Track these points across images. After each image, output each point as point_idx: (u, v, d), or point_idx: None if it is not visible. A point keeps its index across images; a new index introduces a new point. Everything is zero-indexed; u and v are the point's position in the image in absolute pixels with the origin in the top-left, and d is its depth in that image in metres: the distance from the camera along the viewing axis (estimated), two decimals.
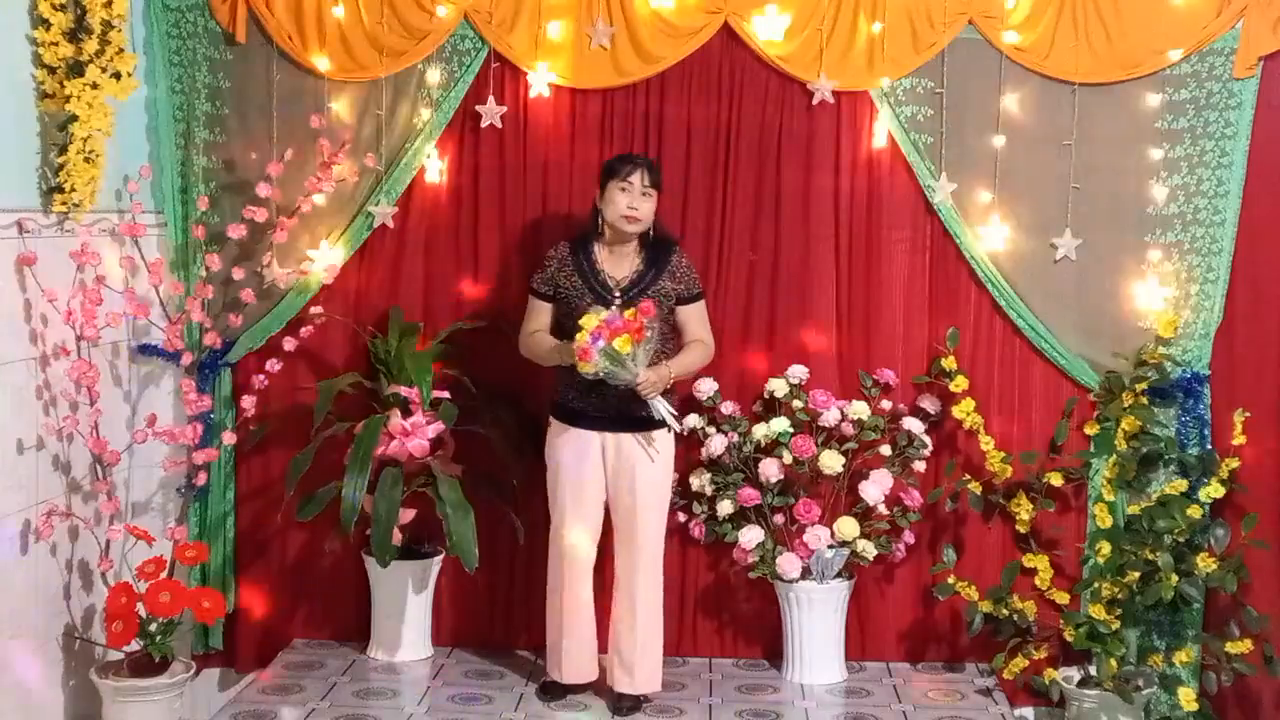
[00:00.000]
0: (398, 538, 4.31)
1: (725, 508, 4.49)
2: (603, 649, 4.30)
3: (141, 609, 4.05)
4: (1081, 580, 4.47)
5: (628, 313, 3.88)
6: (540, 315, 4.21)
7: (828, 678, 4.49)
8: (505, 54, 4.51)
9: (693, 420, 4.54)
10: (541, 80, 4.50)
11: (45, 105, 3.92)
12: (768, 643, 4.68)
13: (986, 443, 4.46)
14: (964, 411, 4.46)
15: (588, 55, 4.49)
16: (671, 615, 4.65)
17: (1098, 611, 4.29)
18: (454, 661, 4.62)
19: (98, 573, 4.24)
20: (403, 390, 4.34)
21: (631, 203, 4.05)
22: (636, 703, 4.19)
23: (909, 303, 4.58)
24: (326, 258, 4.53)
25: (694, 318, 4.19)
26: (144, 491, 4.58)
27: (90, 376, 4.03)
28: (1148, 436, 4.41)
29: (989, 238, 4.47)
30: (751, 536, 4.45)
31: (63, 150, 3.94)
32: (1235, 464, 4.30)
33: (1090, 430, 4.49)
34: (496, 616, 4.73)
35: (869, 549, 4.45)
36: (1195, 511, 4.28)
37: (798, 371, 4.54)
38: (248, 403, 4.43)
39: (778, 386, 4.52)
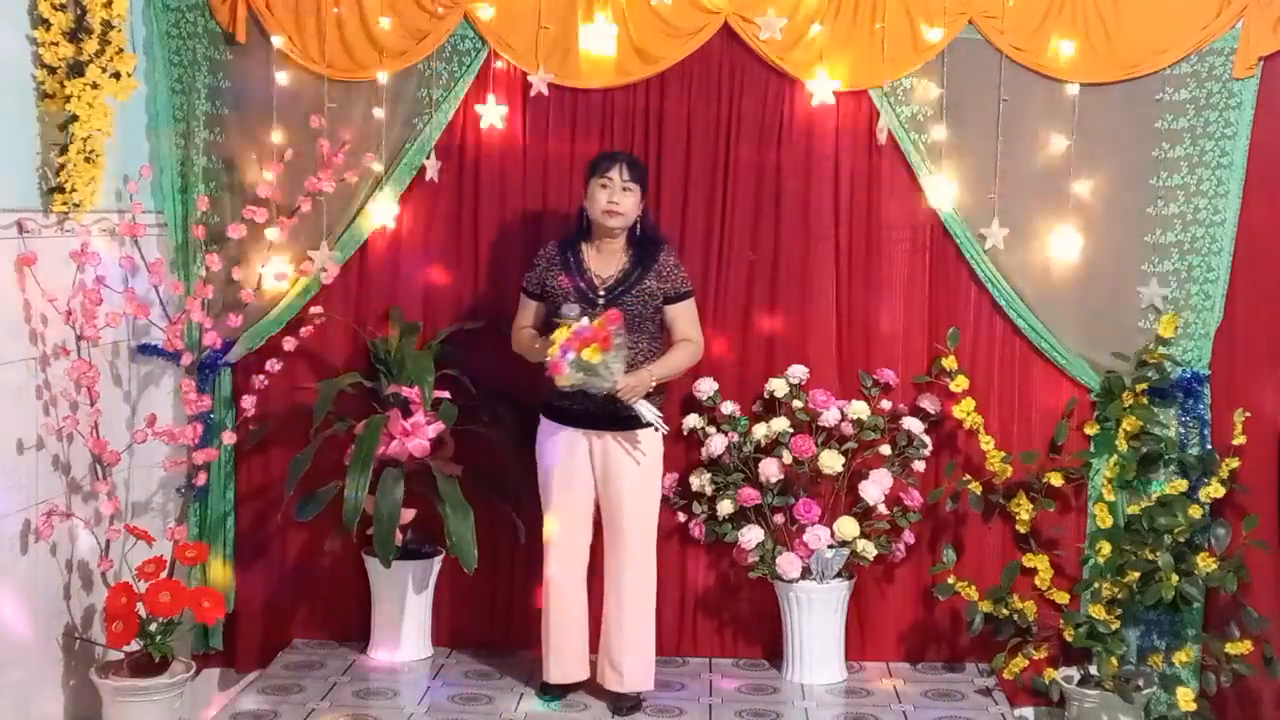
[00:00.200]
0: (398, 538, 4.31)
1: (725, 508, 4.49)
2: (595, 649, 4.30)
3: (141, 609, 4.05)
4: (1081, 580, 4.47)
5: (595, 321, 3.89)
6: (529, 313, 4.24)
7: (828, 678, 4.49)
8: (505, 54, 4.51)
9: (693, 420, 4.55)
10: (541, 80, 4.50)
11: (45, 105, 3.92)
12: (768, 643, 4.68)
13: (986, 443, 4.46)
14: (964, 411, 4.46)
15: (588, 55, 4.49)
16: (671, 615, 4.66)
17: (1098, 611, 4.29)
18: (454, 661, 4.62)
19: (98, 573, 4.24)
20: (403, 390, 4.35)
21: (612, 198, 4.05)
22: (636, 703, 4.19)
23: (909, 303, 4.58)
24: (326, 258, 4.53)
25: (682, 316, 4.19)
26: (144, 491, 4.58)
27: (90, 376, 4.03)
28: (1148, 436, 4.41)
29: (989, 238, 4.47)
30: (751, 536, 4.45)
31: (63, 150, 3.94)
32: (1235, 464, 4.30)
33: (1090, 430, 4.49)
34: (496, 616, 4.73)
35: (869, 549, 4.45)
36: (1195, 511, 4.28)
37: (798, 371, 4.54)
38: (248, 403, 4.43)
39: (778, 386, 4.52)
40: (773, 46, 4.46)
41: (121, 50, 4.05)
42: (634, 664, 4.18)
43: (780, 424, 4.48)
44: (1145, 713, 4.33)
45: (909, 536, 4.56)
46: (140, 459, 4.49)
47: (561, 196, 4.56)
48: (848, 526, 4.43)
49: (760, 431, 4.49)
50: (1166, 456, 4.42)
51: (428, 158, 4.55)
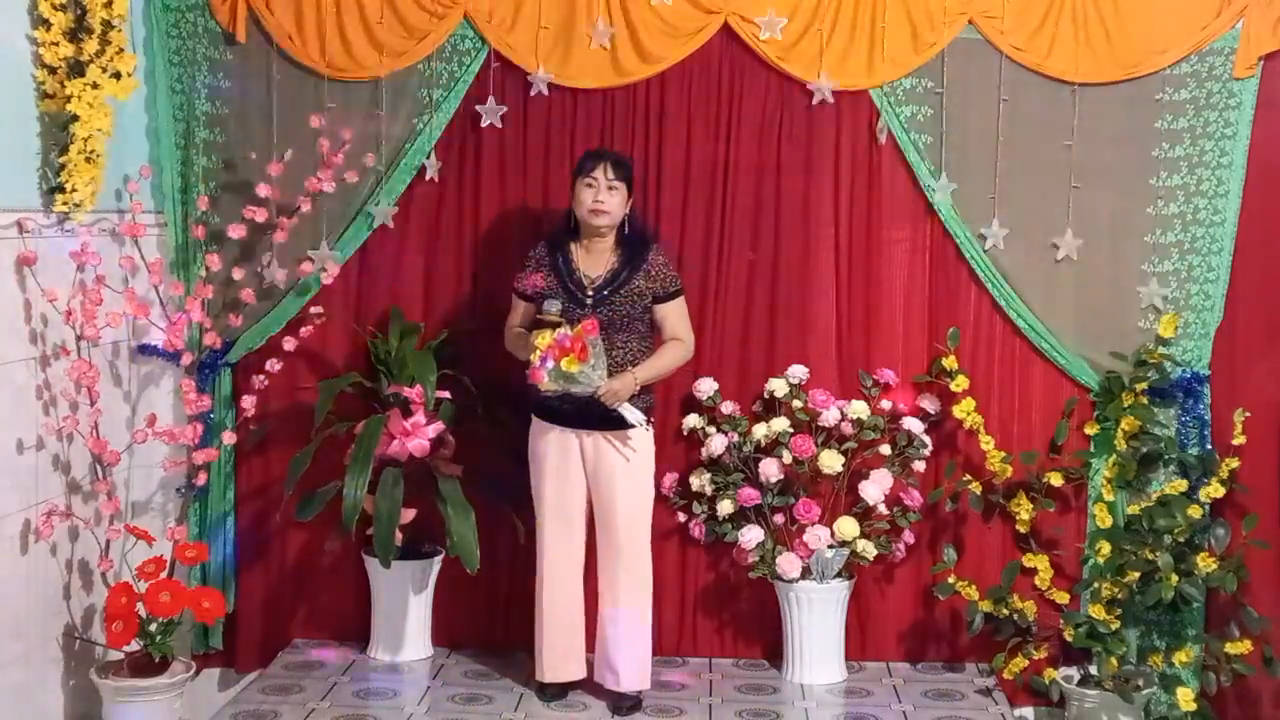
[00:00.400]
0: (398, 538, 4.31)
1: (725, 508, 4.49)
2: (591, 649, 4.31)
3: (141, 609, 4.05)
4: (1081, 580, 4.47)
5: (574, 330, 3.90)
6: (520, 313, 4.25)
7: (828, 678, 4.49)
8: (505, 54, 4.51)
9: (693, 420, 4.55)
10: (541, 80, 4.50)
11: (46, 105, 3.92)
12: (768, 643, 4.68)
13: (986, 443, 4.46)
14: (964, 411, 4.46)
15: (588, 55, 4.49)
16: (671, 615, 4.66)
17: (1098, 611, 4.29)
18: (454, 661, 4.62)
19: (98, 573, 4.24)
20: (403, 390, 4.35)
21: (597, 197, 4.06)
22: (636, 702, 4.19)
23: (909, 303, 4.58)
24: (326, 258, 4.53)
25: (671, 315, 4.19)
26: (144, 491, 4.58)
27: (90, 376, 4.03)
28: (1148, 436, 4.41)
29: (989, 238, 4.47)
30: (751, 536, 4.45)
31: (63, 150, 3.94)
32: (1235, 464, 4.30)
33: (1090, 430, 4.49)
34: (496, 616, 4.73)
35: (869, 549, 4.45)
36: (1195, 511, 4.28)
37: (798, 371, 4.54)
38: (248, 403, 4.43)
39: (778, 386, 4.52)
40: (773, 46, 4.46)
41: (122, 50, 4.05)
42: (630, 663, 4.18)
43: (780, 424, 4.48)
44: (1145, 713, 4.33)
45: (909, 536, 4.56)
46: (140, 459, 4.49)
47: (562, 196, 4.53)
48: (848, 526, 4.43)
49: (760, 431, 4.49)
50: (1166, 456, 4.42)
51: (428, 158, 4.56)
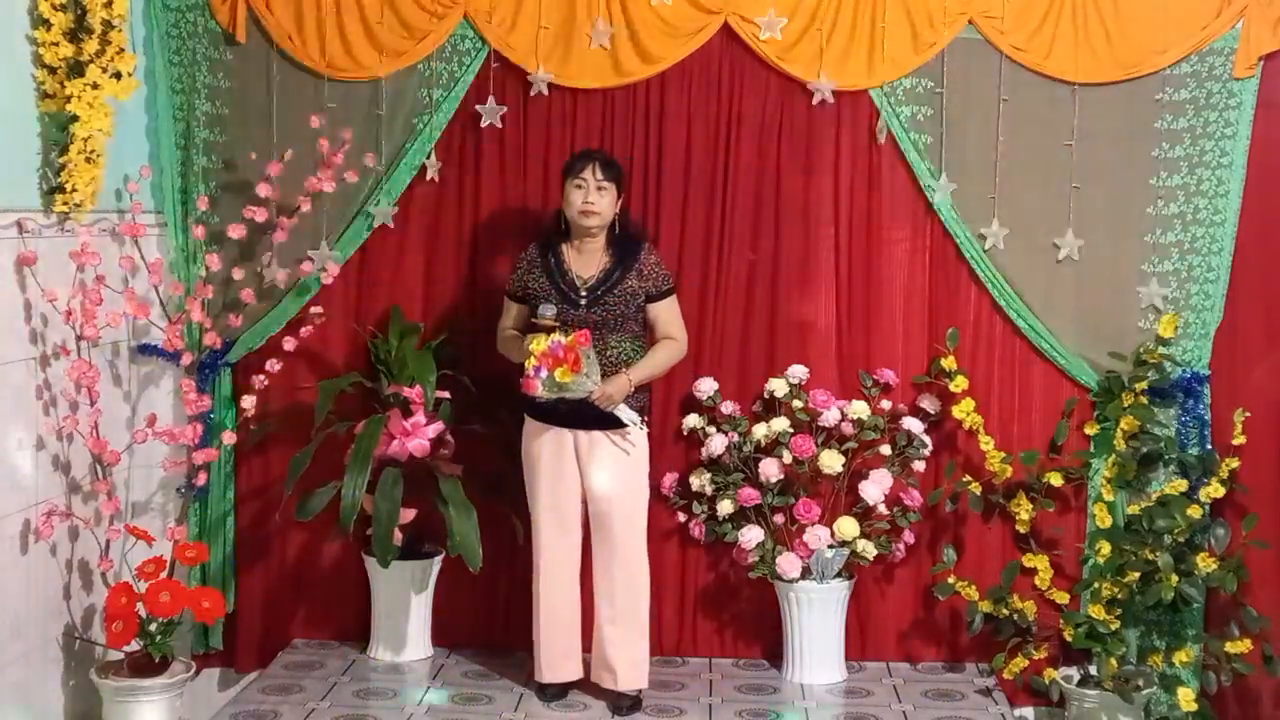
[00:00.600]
0: (398, 538, 4.31)
1: (725, 508, 4.49)
2: (588, 649, 4.31)
3: (141, 609, 4.05)
4: (1081, 580, 4.47)
5: (567, 339, 3.90)
6: (511, 314, 4.26)
7: (828, 678, 4.49)
8: (505, 54, 4.51)
9: (693, 420, 4.55)
10: (541, 80, 4.50)
11: (46, 105, 3.92)
12: (768, 643, 4.68)
13: (986, 443, 4.46)
14: (964, 411, 4.46)
15: (588, 55, 4.49)
16: (671, 615, 4.67)
17: (1098, 611, 4.29)
18: (454, 661, 4.62)
19: (98, 573, 4.24)
20: (403, 390, 4.35)
21: (587, 198, 4.06)
22: (636, 702, 4.19)
23: (909, 303, 4.58)
24: (326, 258, 4.53)
25: (664, 314, 4.19)
26: (144, 491, 4.58)
27: (90, 376, 4.03)
28: (1147, 436, 4.41)
29: (989, 238, 4.47)
30: (751, 536, 4.45)
31: (63, 150, 3.94)
32: (1235, 464, 4.30)
33: (1090, 430, 4.49)
34: (496, 616, 4.73)
35: (869, 549, 4.45)
36: (1195, 511, 4.28)
37: (798, 371, 4.54)
38: (248, 403, 4.43)
39: (778, 386, 4.52)
40: (773, 46, 4.46)
41: (122, 50, 4.05)
42: (627, 663, 4.18)
43: (780, 424, 4.48)
44: (1145, 713, 4.33)
45: (909, 536, 4.56)
46: (140, 459, 4.49)
47: (562, 197, 4.56)
48: (848, 526, 4.43)
49: (760, 431, 4.50)
50: (1166, 456, 4.42)
51: (428, 158, 4.56)
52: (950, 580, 4.44)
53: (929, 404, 4.55)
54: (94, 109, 3.94)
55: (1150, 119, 4.42)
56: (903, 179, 4.54)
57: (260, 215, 4.42)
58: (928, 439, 4.50)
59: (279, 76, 4.54)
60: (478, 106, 4.54)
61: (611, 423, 4.06)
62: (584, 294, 4.08)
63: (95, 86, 3.94)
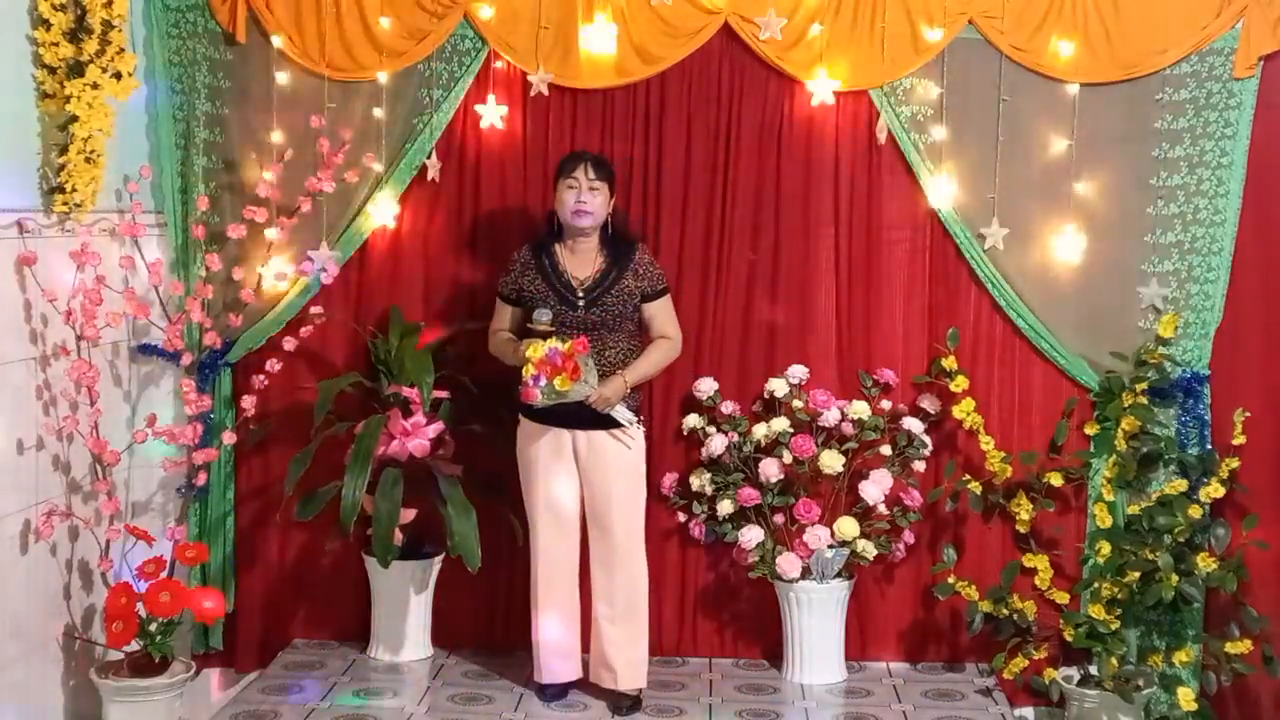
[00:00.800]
0: (398, 538, 4.31)
1: (725, 508, 4.49)
2: (586, 649, 4.31)
3: (141, 609, 4.05)
4: (1081, 580, 4.47)
5: (564, 346, 3.90)
6: (504, 316, 4.26)
7: (828, 678, 4.49)
8: (505, 54, 4.51)
9: (693, 420, 4.55)
10: (541, 80, 4.50)
11: (46, 105, 3.92)
12: (768, 643, 4.68)
13: (986, 443, 4.46)
14: (964, 411, 4.46)
15: (588, 55, 4.49)
16: (671, 615, 4.67)
17: (1098, 611, 4.29)
18: (454, 661, 4.62)
19: (98, 573, 4.24)
20: (403, 390, 4.35)
21: (580, 198, 4.06)
22: (637, 701, 4.19)
23: (909, 302, 4.59)
24: (326, 258, 4.53)
25: (660, 313, 4.20)
26: (144, 491, 4.58)
27: (90, 376, 4.03)
28: (1148, 436, 4.41)
29: (989, 238, 4.47)
30: (751, 536, 4.45)
31: (63, 150, 3.94)
32: (1235, 464, 4.30)
33: (1090, 430, 4.49)
34: (496, 616, 4.73)
35: (869, 549, 4.45)
36: (1195, 511, 4.28)
37: (798, 371, 4.54)
38: (248, 403, 4.43)
39: (778, 386, 4.52)
40: (773, 46, 4.46)
41: (122, 50, 4.05)
42: (626, 662, 4.18)
43: (780, 424, 4.48)
44: (1145, 713, 4.33)
45: (909, 536, 4.56)
46: (140, 459, 4.49)
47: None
48: (848, 526, 4.43)
49: (760, 431, 4.50)
50: (1166, 456, 4.42)
51: (428, 158, 4.56)
52: (950, 580, 4.44)
53: (929, 404, 4.55)
54: (94, 109, 3.94)
55: (1150, 119, 4.42)
56: (903, 179, 4.54)
57: (260, 215, 4.42)
58: (928, 439, 4.50)
59: (279, 77, 4.54)
60: (477, 106, 4.54)
61: (608, 422, 4.07)
62: (581, 295, 4.08)
63: (95, 86, 3.94)
